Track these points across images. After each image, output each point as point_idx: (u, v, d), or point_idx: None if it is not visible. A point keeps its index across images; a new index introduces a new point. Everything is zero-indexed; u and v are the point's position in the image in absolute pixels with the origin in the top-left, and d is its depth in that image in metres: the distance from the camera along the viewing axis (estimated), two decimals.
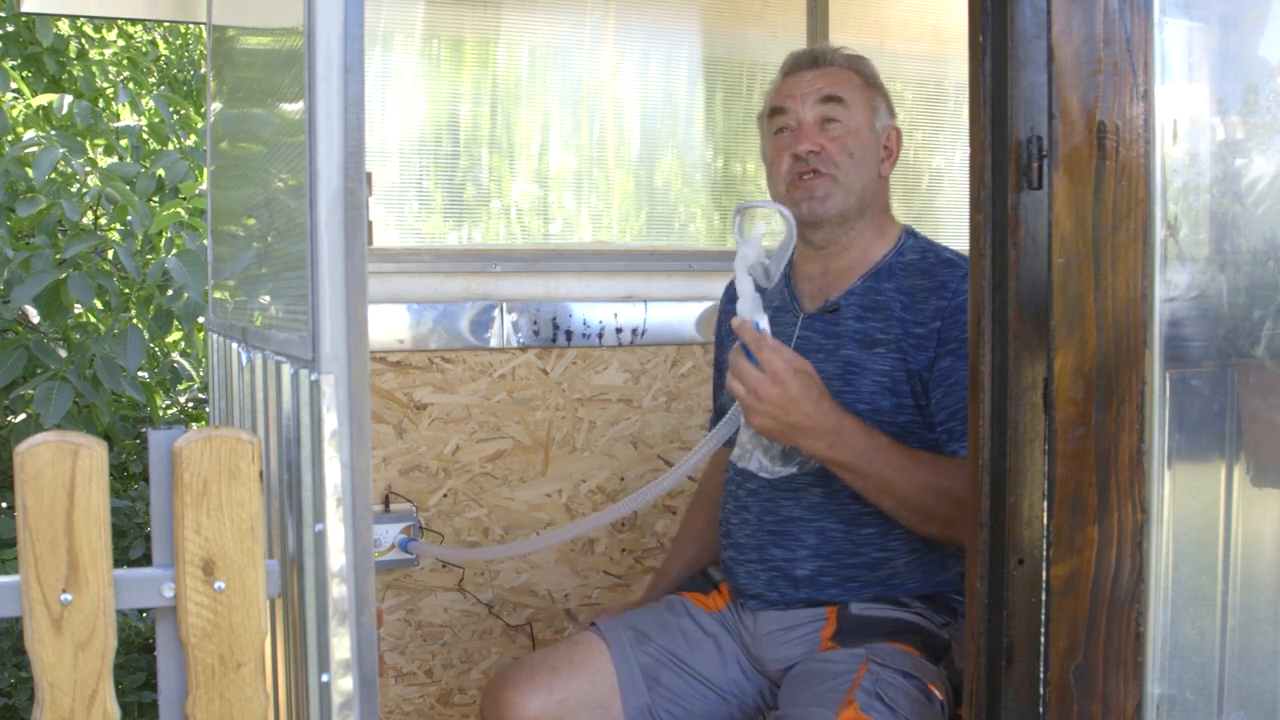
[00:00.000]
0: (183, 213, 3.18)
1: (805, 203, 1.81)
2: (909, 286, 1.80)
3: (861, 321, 1.81)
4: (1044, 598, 1.31)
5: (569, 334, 2.59)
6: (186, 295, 3.12)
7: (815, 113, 1.82)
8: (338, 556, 1.18)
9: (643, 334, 2.65)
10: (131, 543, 3.71)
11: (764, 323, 1.60)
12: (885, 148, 1.87)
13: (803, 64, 1.88)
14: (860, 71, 1.88)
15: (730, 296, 2.09)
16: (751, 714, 1.89)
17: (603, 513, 1.82)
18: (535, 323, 2.56)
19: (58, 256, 3.07)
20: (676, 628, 1.89)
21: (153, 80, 5.72)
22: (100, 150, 4.26)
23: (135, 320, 3.19)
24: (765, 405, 1.57)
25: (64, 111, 3.51)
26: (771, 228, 1.69)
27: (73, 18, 4.52)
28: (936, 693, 1.64)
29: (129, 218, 3.29)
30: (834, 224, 1.84)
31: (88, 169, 3.35)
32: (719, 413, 2.11)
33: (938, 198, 3.01)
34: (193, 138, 4.18)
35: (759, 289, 1.63)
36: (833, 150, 1.81)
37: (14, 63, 4.22)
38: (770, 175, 1.89)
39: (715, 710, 1.86)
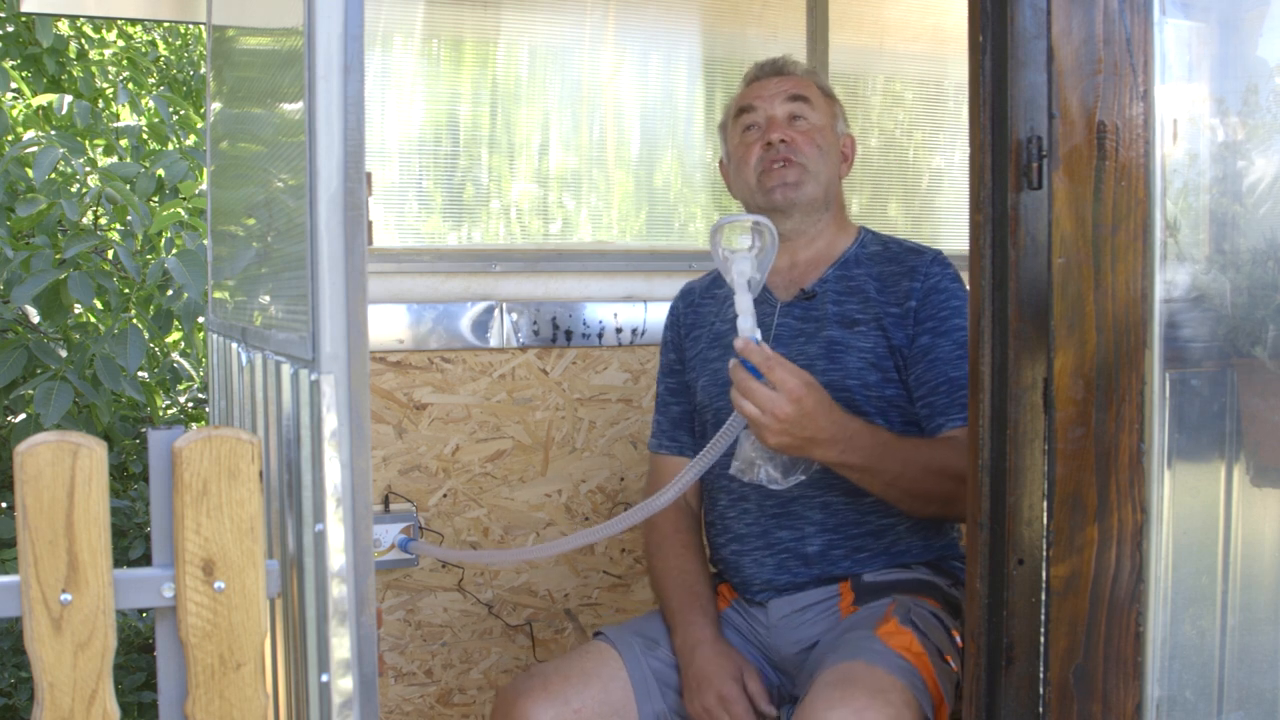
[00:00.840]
0: (183, 213, 3.18)
1: (779, 189, 1.88)
2: (879, 273, 1.88)
3: (839, 305, 1.87)
4: (1044, 598, 1.31)
5: (569, 334, 2.59)
6: (186, 295, 3.12)
7: (783, 110, 1.93)
8: (338, 556, 1.18)
9: (643, 334, 2.65)
10: (131, 543, 3.71)
11: (759, 336, 1.59)
12: (843, 152, 1.99)
13: (767, 71, 1.99)
14: (819, 84, 2.01)
15: (690, 303, 2.11)
16: (762, 711, 1.88)
17: (606, 525, 1.77)
18: (535, 323, 2.56)
19: (58, 256, 3.07)
20: None
21: (153, 80, 5.72)
22: (100, 150, 4.26)
23: (135, 320, 3.19)
24: (782, 424, 1.56)
25: (64, 111, 3.51)
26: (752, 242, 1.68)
27: (73, 18, 4.52)
28: (958, 638, 1.68)
29: (129, 218, 3.29)
30: (804, 212, 1.91)
31: (88, 169, 3.35)
32: (674, 425, 2.06)
33: (938, 198, 3.01)
34: (193, 138, 4.18)
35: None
36: (801, 142, 1.90)
37: (14, 63, 4.22)
38: (738, 170, 1.96)
39: None
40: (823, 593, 1.83)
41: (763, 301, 1.92)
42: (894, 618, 1.67)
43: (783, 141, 1.88)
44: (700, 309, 2.08)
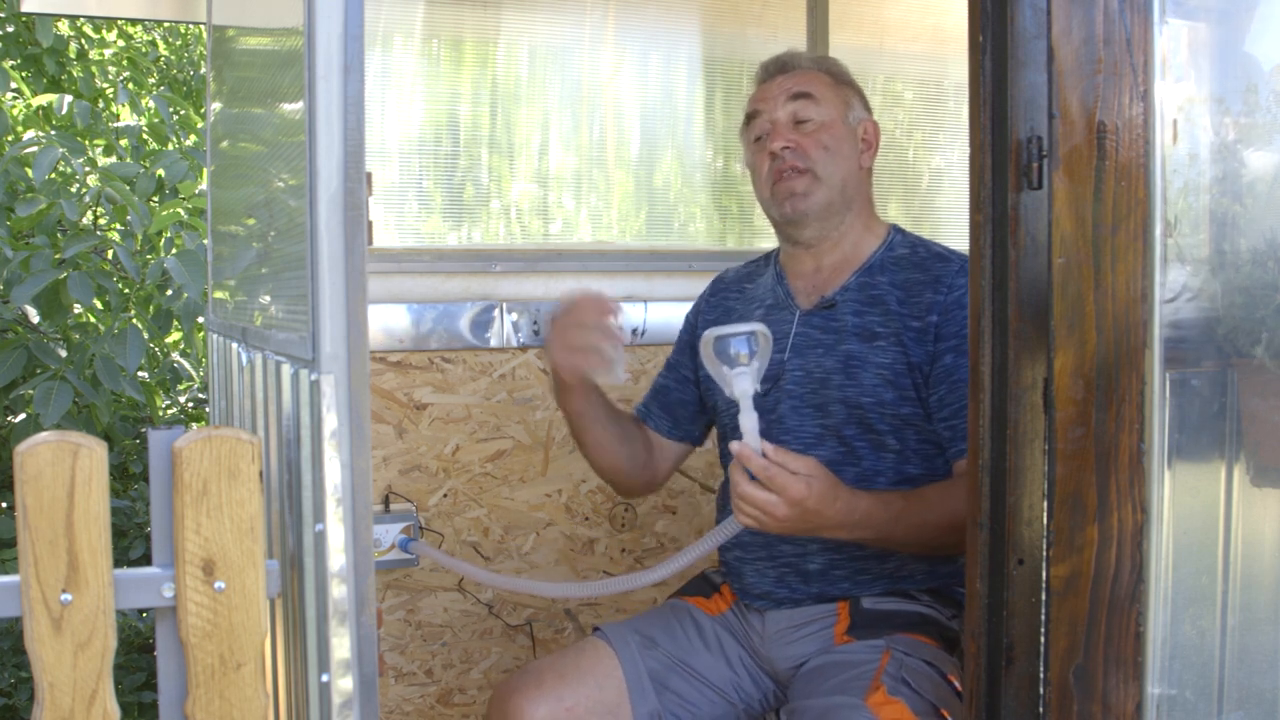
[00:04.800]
0: (182, 213, 3.18)
1: (788, 201, 1.83)
2: (903, 280, 1.82)
3: (860, 316, 1.81)
4: (1044, 598, 1.31)
5: None
6: (186, 295, 3.12)
7: (787, 111, 1.85)
8: (338, 556, 1.18)
9: (643, 334, 2.65)
10: (131, 543, 3.71)
11: (769, 450, 1.56)
12: (864, 140, 1.89)
13: (772, 71, 1.91)
14: (829, 71, 1.91)
15: (716, 291, 2.08)
16: (757, 716, 1.89)
17: (610, 581, 1.78)
18: (535, 323, 2.56)
19: (57, 256, 3.07)
20: (681, 632, 1.89)
21: (153, 80, 5.72)
22: (100, 150, 4.26)
23: (135, 320, 3.19)
24: (782, 524, 1.56)
25: (64, 111, 3.51)
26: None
27: (73, 18, 4.52)
28: (955, 683, 1.65)
29: (129, 218, 3.29)
30: (819, 219, 1.85)
31: (87, 169, 3.35)
32: (659, 402, 2.07)
33: (938, 198, 3.01)
34: (193, 138, 4.18)
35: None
36: (807, 145, 1.83)
37: (14, 63, 4.22)
38: (754, 181, 1.92)
39: (723, 714, 1.85)
40: (820, 610, 1.81)
41: (783, 309, 1.90)
42: (883, 685, 1.61)
43: (786, 149, 1.82)
44: (727, 302, 2.04)
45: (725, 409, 1.92)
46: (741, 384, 1.58)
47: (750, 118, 1.90)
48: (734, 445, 1.55)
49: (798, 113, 1.84)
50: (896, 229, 1.92)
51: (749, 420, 1.56)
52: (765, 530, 1.58)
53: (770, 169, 1.85)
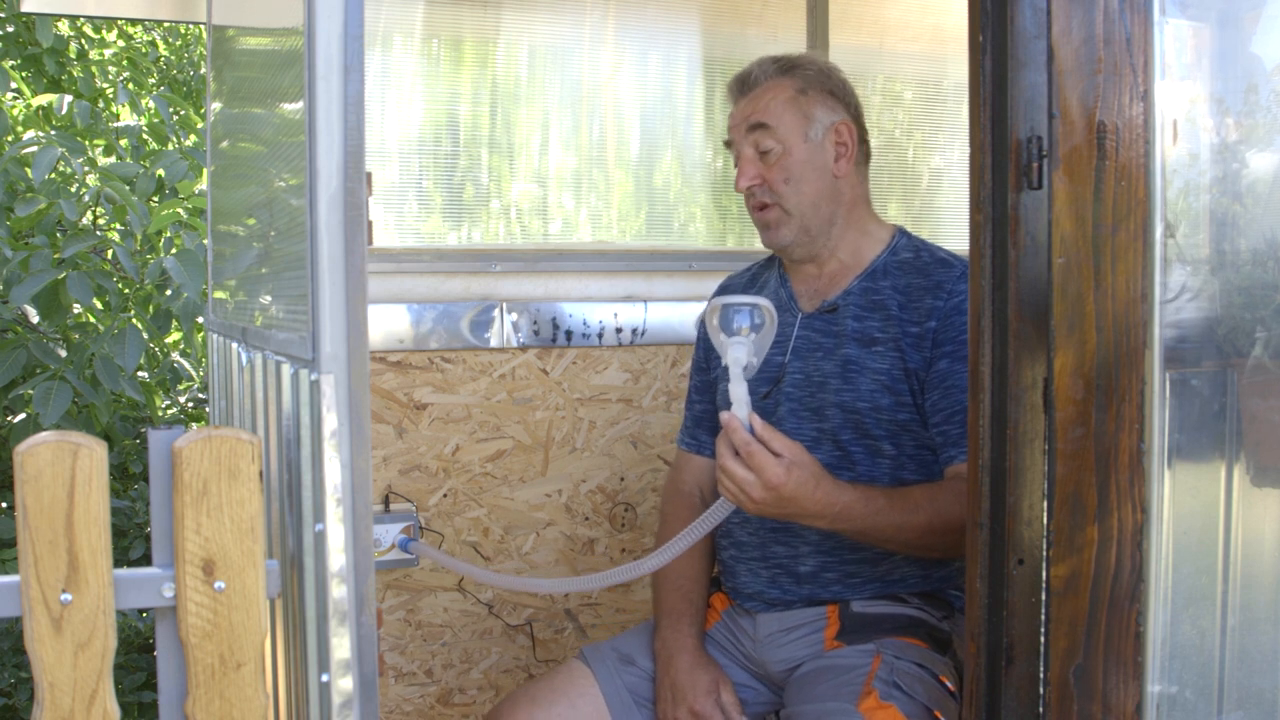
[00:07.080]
0: (181, 213, 3.18)
1: (763, 234, 1.87)
2: (905, 285, 1.81)
3: (860, 321, 1.81)
4: (1044, 597, 1.31)
5: (569, 334, 2.59)
6: (185, 295, 3.12)
7: (749, 144, 1.84)
8: (338, 556, 1.18)
9: (643, 334, 2.65)
10: (131, 543, 3.71)
11: (757, 424, 1.54)
12: (838, 145, 1.83)
13: (734, 92, 1.89)
14: (794, 78, 1.84)
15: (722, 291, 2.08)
16: (756, 718, 1.88)
17: (604, 574, 1.76)
18: (535, 323, 2.56)
19: (57, 256, 3.07)
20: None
21: (153, 80, 5.72)
22: (100, 150, 4.26)
23: (134, 320, 3.19)
24: (758, 505, 1.55)
25: (64, 111, 3.51)
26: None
27: (73, 18, 4.52)
28: (948, 683, 1.65)
29: (128, 218, 3.29)
30: (801, 244, 1.86)
31: (87, 169, 3.35)
32: (696, 423, 2.07)
33: (938, 198, 3.01)
34: (193, 138, 4.18)
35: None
36: (771, 179, 1.82)
37: (14, 63, 4.22)
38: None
39: None
40: (809, 614, 1.80)
41: (785, 311, 1.89)
42: (875, 690, 1.62)
43: (753, 186, 1.83)
44: None
45: (723, 390, 1.93)
46: (735, 351, 1.55)
47: (727, 145, 1.92)
48: (723, 415, 1.53)
49: (759, 144, 1.83)
50: (902, 232, 1.90)
51: (738, 389, 1.54)
52: (744, 509, 1.57)
53: (746, 202, 1.88)
